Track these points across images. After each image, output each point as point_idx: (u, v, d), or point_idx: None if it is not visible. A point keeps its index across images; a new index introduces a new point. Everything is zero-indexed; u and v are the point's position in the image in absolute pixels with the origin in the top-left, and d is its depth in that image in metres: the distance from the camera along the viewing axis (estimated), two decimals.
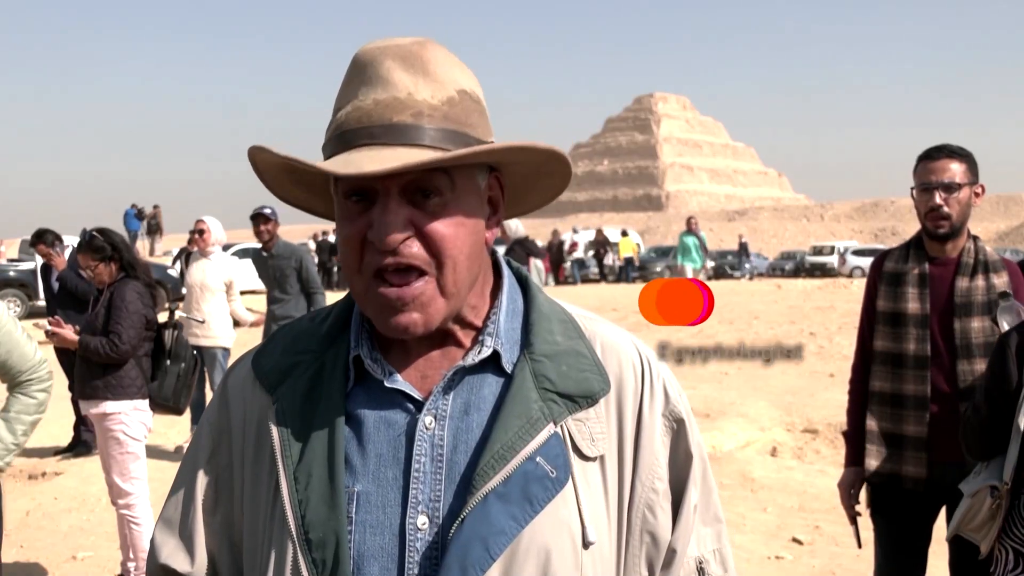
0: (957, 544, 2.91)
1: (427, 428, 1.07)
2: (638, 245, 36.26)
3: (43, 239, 7.45)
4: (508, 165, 1.13)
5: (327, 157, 1.06)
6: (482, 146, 1.05)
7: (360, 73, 1.07)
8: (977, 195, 2.91)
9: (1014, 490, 2.40)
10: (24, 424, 3.07)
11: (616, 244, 31.27)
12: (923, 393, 2.85)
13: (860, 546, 3.14)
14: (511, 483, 1.02)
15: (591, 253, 30.85)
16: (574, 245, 30.62)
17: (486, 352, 1.10)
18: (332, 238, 28.19)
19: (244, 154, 1.11)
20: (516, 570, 1.01)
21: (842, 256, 35.77)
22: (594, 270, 30.72)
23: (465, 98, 1.08)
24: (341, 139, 1.05)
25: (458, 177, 1.06)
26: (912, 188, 2.93)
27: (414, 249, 1.03)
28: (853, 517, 3.14)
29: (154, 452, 7.03)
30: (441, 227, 1.04)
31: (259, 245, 7.08)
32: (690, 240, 16.85)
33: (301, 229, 64.43)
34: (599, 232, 31.98)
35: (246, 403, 1.15)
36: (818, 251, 39.67)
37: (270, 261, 6.87)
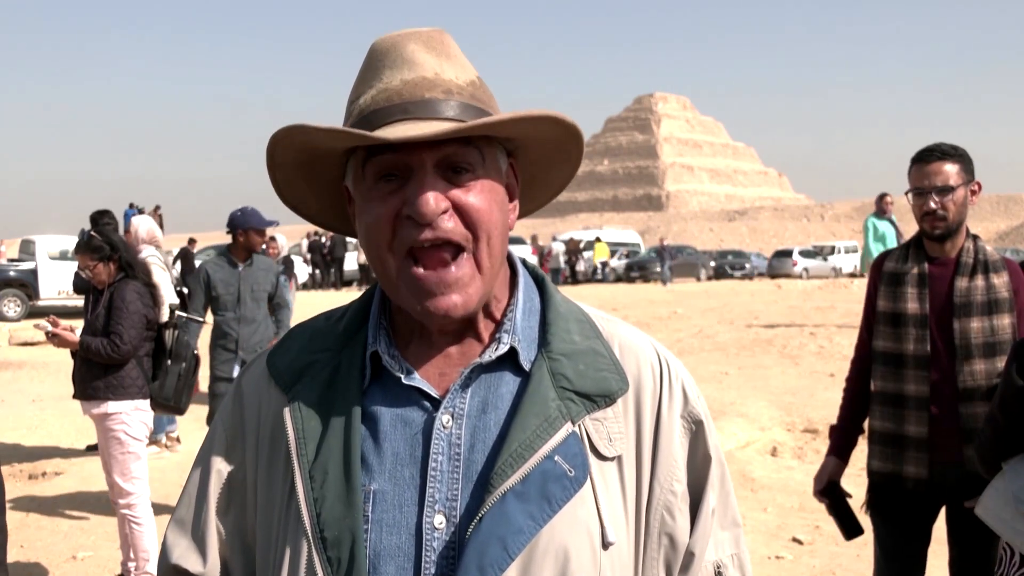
0: (958, 544, 2.91)
1: (444, 427, 1.05)
2: (633, 248, 37.87)
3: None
4: (523, 149, 1.13)
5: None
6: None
7: (382, 59, 1.07)
8: (973, 192, 2.90)
9: None
10: None
11: (583, 248, 33.57)
12: (924, 393, 2.84)
13: (847, 538, 3.11)
14: (529, 482, 1.01)
15: (564, 260, 32.87)
16: (549, 253, 32.10)
17: (503, 349, 1.09)
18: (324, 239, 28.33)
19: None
20: (535, 570, 1.00)
21: (792, 259, 36.17)
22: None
23: (482, 83, 1.10)
24: (370, 119, 1.04)
25: (487, 154, 1.06)
26: (907, 192, 2.93)
27: (451, 224, 1.03)
28: (831, 507, 3.10)
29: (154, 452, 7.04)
30: (476, 200, 1.04)
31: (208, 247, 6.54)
32: (884, 225, 11.61)
33: (288, 230, 64.35)
34: (571, 241, 33.94)
35: (260, 402, 1.14)
36: (819, 251, 39.81)
37: (244, 273, 5.83)
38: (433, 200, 1.01)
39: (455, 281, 1.03)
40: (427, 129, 0.98)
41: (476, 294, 1.05)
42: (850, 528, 3.08)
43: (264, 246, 6.71)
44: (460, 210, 1.03)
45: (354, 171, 1.08)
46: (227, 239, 6.08)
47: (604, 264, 33.35)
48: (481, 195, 1.04)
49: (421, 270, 1.03)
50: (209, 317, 5.96)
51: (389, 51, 1.06)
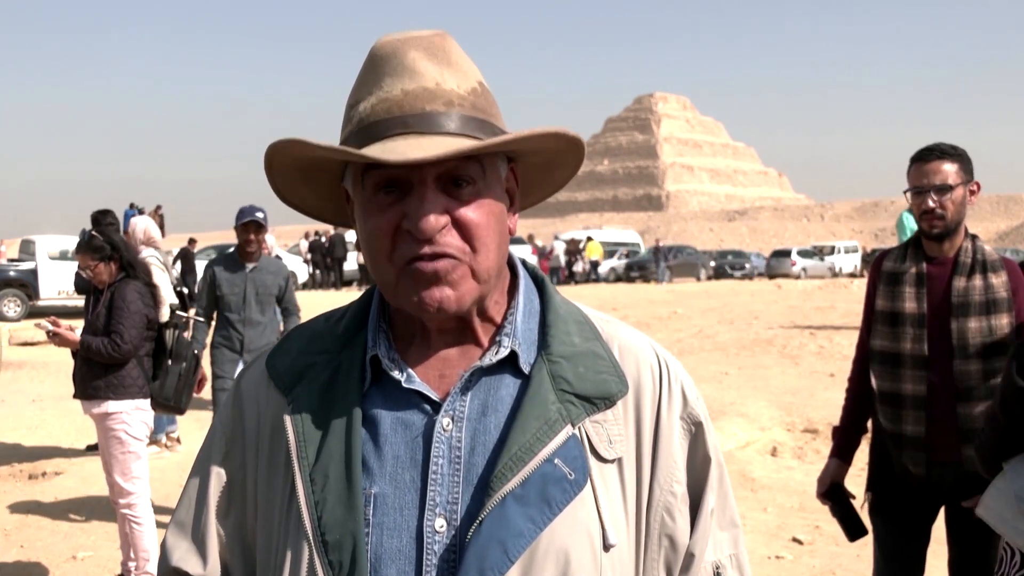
0: (957, 545, 2.91)
1: (445, 430, 1.05)
2: (633, 248, 38.05)
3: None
4: (524, 156, 1.13)
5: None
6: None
7: (382, 65, 1.06)
8: (972, 192, 2.91)
9: None
10: None
11: (581, 249, 33.70)
12: (921, 393, 2.84)
13: (851, 540, 3.12)
14: (529, 485, 1.01)
15: (564, 261, 33.16)
16: (551, 252, 32.25)
17: (503, 352, 1.09)
18: (325, 239, 28.30)
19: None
20: (535, 573, 1.00)
21: (791, 259, 36.34)
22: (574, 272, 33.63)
23: (484, 89, 1.09)
24: (370, 130, 1.03)
25: (488, 166, 1.06)
26: (906, 190, 2.93)
27: (450, 238, 1.03)
28: (834, 510, 3.12)
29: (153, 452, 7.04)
30: (475, 215, 1.04)
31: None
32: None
33: (287, 230, 64.32)
34: (571, 241, 34.18)
35: (260, 404, 1.14)
36: (817, 251, 39.93)
37: (251, 274, 5.73)
38: (433, 219, 1.01)
39: (447, 273, 1.03)
40: (427, 150, 0.98)
41: (468, 294, 1.05)
42: (854, 530, 3.08)
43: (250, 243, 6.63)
44: (459, 224, 1.03)
45: (352, 176, 1.08)
46: (227, 239, 6.12)
47: (595, 263, 33.44)
48: (480, 209, 1.04)
49: (418, 263, 1.03)
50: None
51: (390, 57, 1.05)
